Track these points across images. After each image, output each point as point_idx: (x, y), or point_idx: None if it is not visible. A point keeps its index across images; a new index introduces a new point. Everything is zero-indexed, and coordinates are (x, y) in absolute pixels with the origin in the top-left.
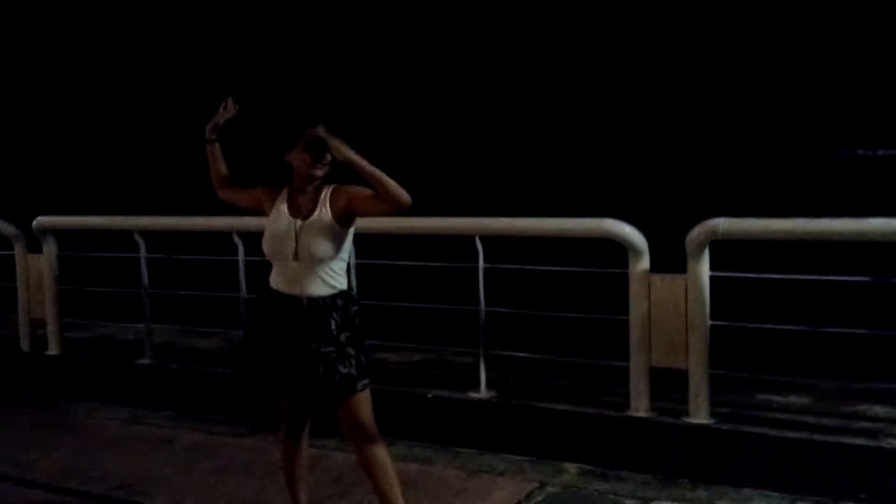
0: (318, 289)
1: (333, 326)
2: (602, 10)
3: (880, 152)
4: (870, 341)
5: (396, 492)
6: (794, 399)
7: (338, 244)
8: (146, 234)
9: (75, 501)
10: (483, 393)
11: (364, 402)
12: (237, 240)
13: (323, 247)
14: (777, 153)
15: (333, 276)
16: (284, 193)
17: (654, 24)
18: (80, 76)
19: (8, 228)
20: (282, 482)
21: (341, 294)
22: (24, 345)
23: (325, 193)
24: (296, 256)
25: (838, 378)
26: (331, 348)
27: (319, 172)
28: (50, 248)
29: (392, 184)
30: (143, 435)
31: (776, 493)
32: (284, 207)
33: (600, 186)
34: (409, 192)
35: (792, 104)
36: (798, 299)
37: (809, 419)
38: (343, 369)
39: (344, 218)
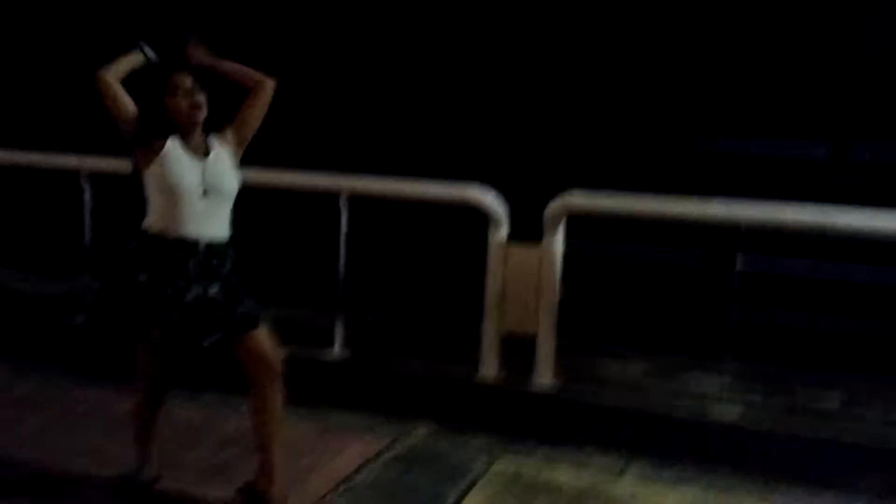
0: (218, 231)
1: (228, 269)
2: None
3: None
4: (703, 319)
5: (278, 438)
6: (632, 369)
7: (237, 181)
8: None
9: None
10: (337, 353)
11: (268, 335)
12: (85, 182)
13: (230, 181)
14: (644, 138)
15: (227, 219)
16: (174, 139)
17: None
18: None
19: None
20: (123, 434)
21: (230, 239)
22: None
23: (212, 136)
24: (204, 194)
25: (673, 353)
26: (226, 289)
27: (201, 114)
28: None
29: (253, 71)
30: None
31: (612, 456)
32: (180, 150)
33: (470, 152)
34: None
35: (662, 91)
36: (643, 276)
37: (644, 389)
38: (241, 308)
39: (237, 151)
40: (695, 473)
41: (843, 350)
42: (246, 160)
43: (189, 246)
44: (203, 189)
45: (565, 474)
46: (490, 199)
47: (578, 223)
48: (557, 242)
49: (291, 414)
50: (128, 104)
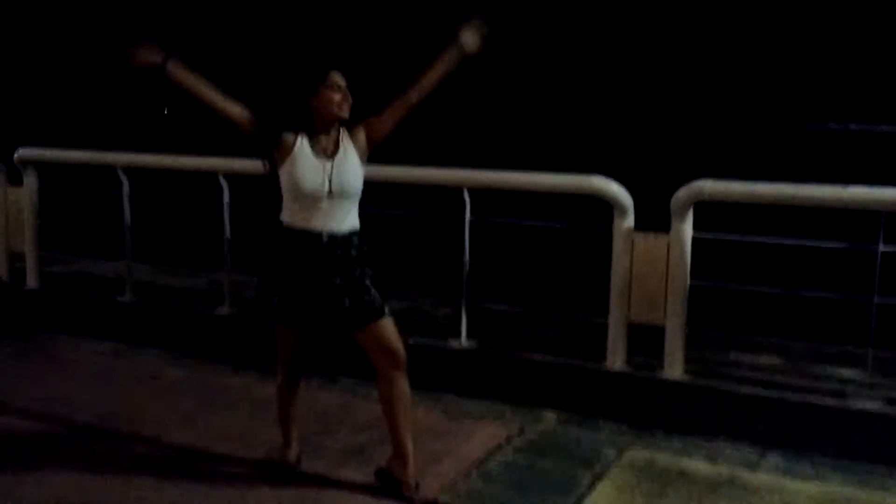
0: (340, 225)
1: (351, 260)
2: None
3: (851, 126)
4: (841, 306)
5: (410, 425)
6: (765, 359)
7: (362, 180)
8: (130, 170)
9: (60, 429)
10: (464, 342)
11: (392, 326)
12: (223, 181)
13: (354, 182)
14: (754, 123)
15: (353, 214)
16: (303, 138)
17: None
18: (66, 6)
19: None
20: (267, 418)
21: (357, 231)
22: (3, 277)
23: (343, 134)
24: (330, 194)
25: (809, 340)
26: (349, 280)
27: (346, 111)
28: (31, 180)
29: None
30: (127, 369)
31: (747, 446)
32: (308, 150)
33: (590, 146)
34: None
35: (769, 75)
36: (774, 263)
37: (780, 378)
38: (367, 297)
39: (365, 152)
40: (834, 465)
41: None
42: (377, 157)
43: (313, 238)
44: (328, 189)
45: (700, 464)
46: (615, 188)
47: (705, 212)
48: (686, 230)
49: (421, 400)
50: (235, 109)
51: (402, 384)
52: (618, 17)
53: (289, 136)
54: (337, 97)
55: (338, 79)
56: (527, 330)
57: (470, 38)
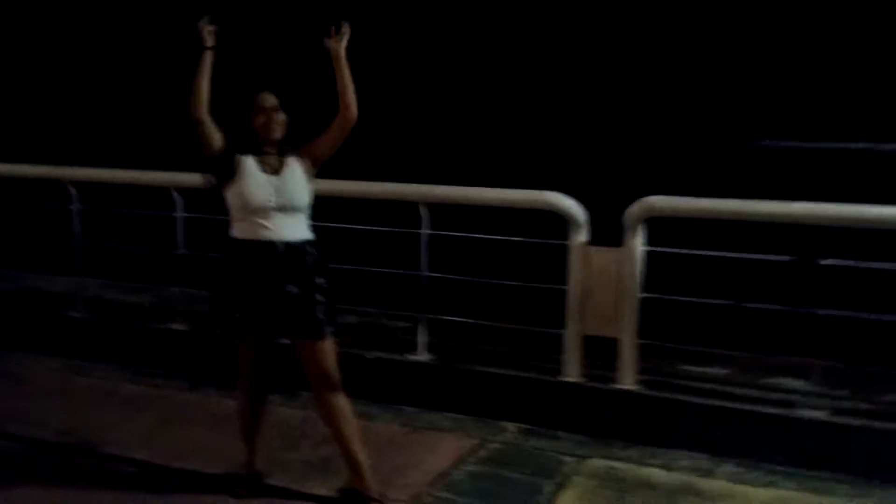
0: (294, 234)
1: (306, 269)
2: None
3: (784, 144)
4: (786, 318)
5: (357, 438)
6: (715, 369)
7: (308, 194)
8: (81, 185)
9: (14, 446)
10: (422, 355)
11: (330, 347)
12: (176, 196)
13: (301, 197)
14: (703, 140)
15: (304, 225)
16: (248, 157)
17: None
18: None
19: None
20: (228, 433)
21: (311, 241)
22: None
23: (288, 154)
24: (280, 208)
25: (756, 352)
26: (303, 290)
27: (277, 132)
28: None
29: (352, 91)
30: (83, 385)
31: (702, 455)
32: (254, 168)
33: (547, 162)
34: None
35: (717, 94)
36: (723, 277)
37: (730, 388)
38: (314, 312)
39: (311, 169)
40: (785, 471)
41: None
42: (332, 172)
43: (269, 247)
44: (275, 203)
45: (657, 472)
46: (569, 204)
47: (655, 227)
48: (637, 245)
49: (381, 414)
50: (217, 138)
51: (338, 401)
52: (571, 35)
53: (237, 158)
54: (261, 119)
55: (263, 101)
56: (484, 343)
57: (330, 44)
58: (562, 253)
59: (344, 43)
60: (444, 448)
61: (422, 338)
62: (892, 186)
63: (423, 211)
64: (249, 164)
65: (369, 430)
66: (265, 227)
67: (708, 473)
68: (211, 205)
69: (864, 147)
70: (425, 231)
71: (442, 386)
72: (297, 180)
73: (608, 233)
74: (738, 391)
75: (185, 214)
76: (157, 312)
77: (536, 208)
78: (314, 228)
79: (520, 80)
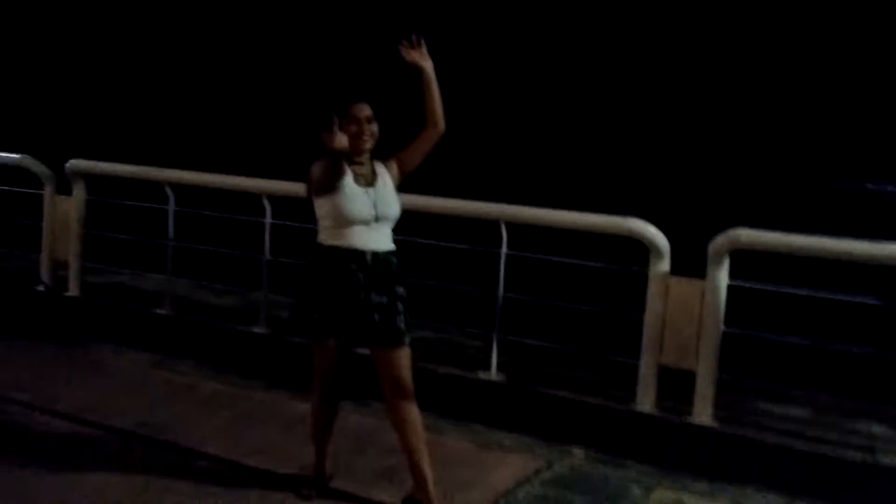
0: (381, 244)
1: (391, 278)
2: (640, 20)
3: (889, 188)
4: (871, 361)
5: (425, 451)
6: (794, 410)
7: (399, 206)
8: (176, 187)
9: (98, 433)
10: (493, 374)
11: (407, 356)
12: (266, 202)
13: (395, 208)
14: (789, 180)
15: (390, 236)
16: (347, 173)
17: (685, 45)
18: (121, 19)
19: (40, 168)
20: (299, 435)
21: (394, 251)
22: (48, 283)
23: (377, 165)
24: (375, 219)
25: (838, 394)
26: (386, 298)
27: (368, 143)
28: (80, 191)
29: (441, 105)
30: (164, 380)
31: (774, 494)
32: (350, 180)
33: (632, 188)
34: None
35: (804, 134)
36: (808, 314)
37: (807, 429)
38: (395, 321)
39: (398, 182)
40: None
41: None
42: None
43: (359, 256)
44: (374, 215)
45: None
46: (652, 231)
47: (740, 261)
48: (722, 277)
49: (451, 429)
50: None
51: (408, 411)
52: (668, 63)
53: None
54: (354, 129)
55: (357, 111)
56: (557, 367)
57: (416, 60)
58: (642, 281)
59: (420, 55)
60: (509, 467)
61: (495, 357)
62: None
63: (504, 230)
64: (348, 180)
65: (437, 444)
66: (357, 237)
67: None
68: (297, 213)
69: None
70: (504, 251)
71: (512, 406)
72: (389, 192)
73: (689, 263)
74: (816, 433)
75: (273, 221)
76: (240, 314)
77: (619, 234)
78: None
79: (612, 103)
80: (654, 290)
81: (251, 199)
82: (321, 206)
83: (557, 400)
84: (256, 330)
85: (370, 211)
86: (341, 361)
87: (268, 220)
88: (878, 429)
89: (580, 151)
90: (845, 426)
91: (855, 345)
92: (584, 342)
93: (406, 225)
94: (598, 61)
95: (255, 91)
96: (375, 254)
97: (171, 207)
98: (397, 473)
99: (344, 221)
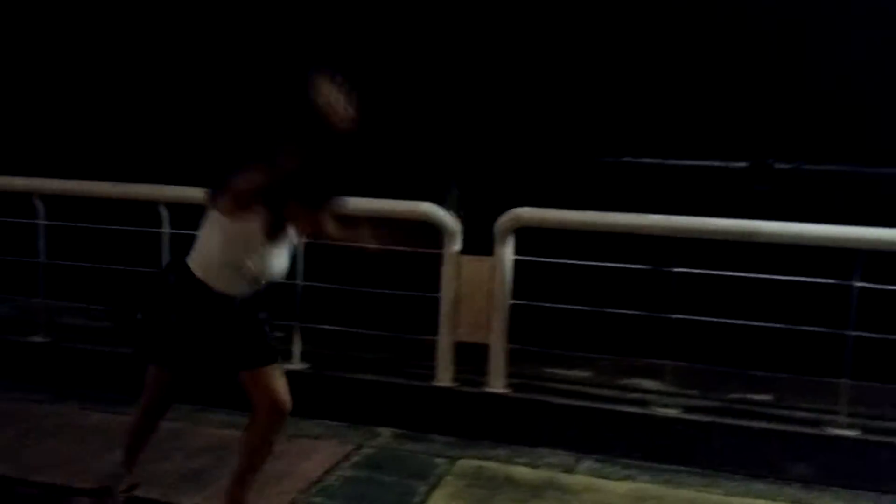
0: None
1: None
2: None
3: (645, 160)
4: (642, 323)
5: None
6: (577, 372)
7: None
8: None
9: None
10: (297, 364)
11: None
12: (38, 203)
13: None
14: (563, 156)
15: None
16: None
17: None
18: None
19: None
20: (94, 445)
21: None
22: None
23: None
24: None
25: (616, 355)
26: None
27: None
28: None
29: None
30: None
31: (564, 452)
32: None
33: (421, 174)
34: None
35: (578, 112)
36: (586, 285)
37: (591, 389)
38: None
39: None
40: (641, 466)
41: (769, 350)
42: None
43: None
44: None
45: (523, 469)
46: (443, 215)
47: (525, 237)
48: (507, 253)
49: None
50: None
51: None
52: (438, 49)
53: None
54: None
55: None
56: (359, 351)
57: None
58: (436, 262)
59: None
60: (320, 455)
61: (298, 347)
62: (741, 201)
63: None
64: None
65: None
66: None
67: (570, 469)
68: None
69: (717, 165)
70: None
71: (318, 394)
72: None
73: (480, 243)
74: (598, 392)
75: (46, 222)
76: (12, 324)
77: (413, 219)
78: None
79: (392, 89)
80: (447, 269)
81: (21, 200)
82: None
83: (362, 383)
84: (35, 339)
85: None
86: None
87: (41, 220)
88: (651, 384)
89: (371, 136)
90: (623, 383)
91: (630, 310)
92: (385, 324)
93: None
94: (370, 36)
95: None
96: None
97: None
98: (204, 476)
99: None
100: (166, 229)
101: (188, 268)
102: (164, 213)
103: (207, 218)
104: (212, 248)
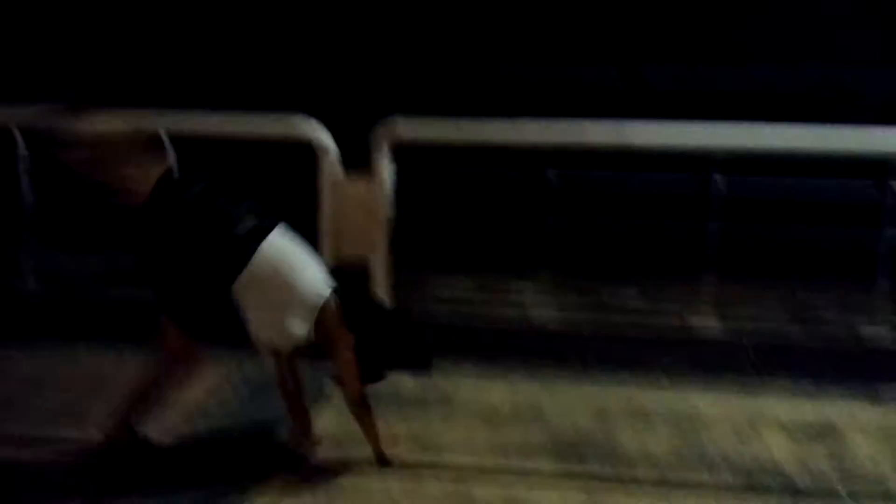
0: None
1: None
2: None
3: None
4: (517, 229)
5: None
6: (459, 284)
7: None
8: None
9: None
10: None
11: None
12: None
13: None
14: (452, 63)
15: None
16: None
17: None
18: None
19: None
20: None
21: None
22: None
23: None
24: None
25: (495, 269)
26: None
27: None
28: None
29: None
30: None
31: (447, 361)
32: None
33: (287, 87)
34: None
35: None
36: (466, 196)
37: (475, 300)
38: None
39: None
40: (519, 370)
41: (640, 254)
42: None
43: None
44: None
45: (409, 381)
46: (320, 133)
47: (404, 149)
48: (384, 169)
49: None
50: None
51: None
52: None
53: None
54: None
55: None
56: None
57: None
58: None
59: None
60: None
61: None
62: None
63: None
64: None
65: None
66: None
67: (451, 376)
68: None
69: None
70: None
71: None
72: None
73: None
74: (480, 300)
75: None
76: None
77: (288, 139)
78: None
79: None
80: (325, 187)
81: None
82: None
83: None
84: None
85: None
86: None
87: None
88: (530, 294)
89: (235, 47)
90: (502, 294)
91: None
92: None
93: None
94: None
95: None
96: None
97: None
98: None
99: None
100: None
101: None
102: None
103: None
104: None
